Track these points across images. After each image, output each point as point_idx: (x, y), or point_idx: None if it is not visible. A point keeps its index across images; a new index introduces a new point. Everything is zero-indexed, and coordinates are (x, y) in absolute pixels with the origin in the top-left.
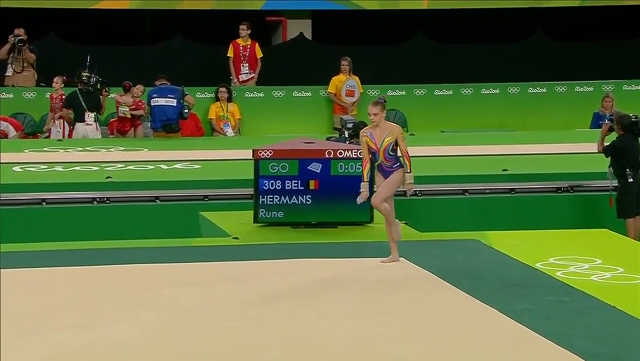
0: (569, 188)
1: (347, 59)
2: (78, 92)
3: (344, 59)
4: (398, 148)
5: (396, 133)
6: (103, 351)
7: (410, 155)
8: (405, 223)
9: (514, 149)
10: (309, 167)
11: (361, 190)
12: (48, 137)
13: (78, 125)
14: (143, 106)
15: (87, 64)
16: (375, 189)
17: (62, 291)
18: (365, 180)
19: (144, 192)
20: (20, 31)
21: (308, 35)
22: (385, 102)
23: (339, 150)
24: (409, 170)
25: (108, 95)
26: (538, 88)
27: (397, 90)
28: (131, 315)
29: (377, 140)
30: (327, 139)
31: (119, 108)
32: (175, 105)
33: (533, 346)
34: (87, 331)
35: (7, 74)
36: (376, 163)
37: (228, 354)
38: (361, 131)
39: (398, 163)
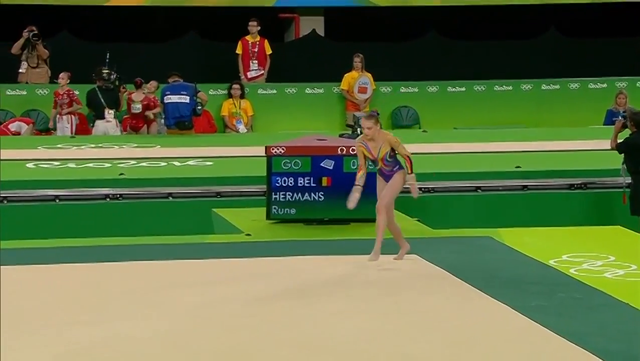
0: (582, 185)
1: (360, 56)
2: (97, 89)
3: (357, 55)
4: (396, 154)
5: (391, 142)
6: (115, 349)
7: (412, 159)
8: (418, 220)
9: (526, 146)
10: (321, 164)
11: (354, 193)
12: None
13: (98, 122)
14: (157, 102)
15: (107, 61)
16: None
17: (74, 288)
18: (357, 184)
19: (156, 189)
20: (32, 28)
21: (321, 32)
22: (378, 114)
23: (351, 146)
24: (410, 172)
25: (125, 92)
26: (551, 85)
27: (409, 87)
28: (143, 312)
29: (373, 151)
30: (340, 136)
31: (132, 105)
32: (188, 102)
33: (546, 343)
34: (99, 329)
35: (20, 70)
36: (376, 168)
37: (238, 351)
38: (356, 140)
39: (397, 166)
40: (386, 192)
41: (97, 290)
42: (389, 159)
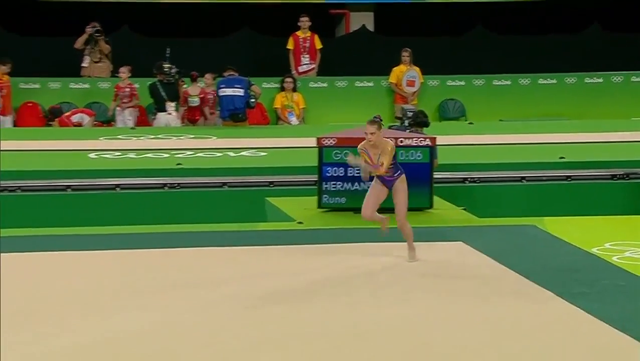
0: (625, 176)
1: (408, 50)
2: (158, 83)
3: (405, 50)
4: (397, 161)
5: (388, 150)
6: (166, 333)
7: (395, 164)
8: (464, 209)
9: (570, 137)
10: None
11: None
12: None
13: (160, 114)
14: (214, 94)
15: (167, 55)
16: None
17: (131, 273)
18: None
19: (212, 178)
20: (94, 24)
21: (370, 27)
22: (381, 120)
23: (400, 138)
24: (372, 166)
25: (183, 85)
26: (594, 78)
27: (456, 80)
28: (194, 296)
29: (372, 156)
30: (389, 128)
31: (188, 98)
32: (242, 95)
33: (588, 329)
34: (153, 313)
35: (83, 64)
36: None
37: (280, 337)
38: (359, 147)
39: (399, 171)
40: (399, 207)
41: (151, 275)
42: (389, 166)
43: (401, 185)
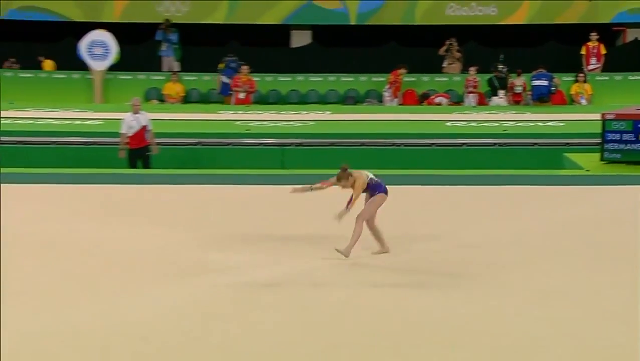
0: None
1: None
2: (493, 77)
3: None
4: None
5: (355, 187)
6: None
7: (371, 187)
8: None
9: None
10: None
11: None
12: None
13: (493, 98)
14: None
15: (500, 59)
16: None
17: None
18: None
19: (528, 140)
20: (452, 39)
21: None
22: (345, 170)
23: None
24: (346, 206)
25: (510, 79)
26: None
27: None
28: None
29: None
30: None
31: (514, 87)
32: (546, 84)
33: None
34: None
35: (443, 65)
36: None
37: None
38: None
39: (377, 191)
40: (364, 209)
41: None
42: (368, 190)
43: (378, 199)
